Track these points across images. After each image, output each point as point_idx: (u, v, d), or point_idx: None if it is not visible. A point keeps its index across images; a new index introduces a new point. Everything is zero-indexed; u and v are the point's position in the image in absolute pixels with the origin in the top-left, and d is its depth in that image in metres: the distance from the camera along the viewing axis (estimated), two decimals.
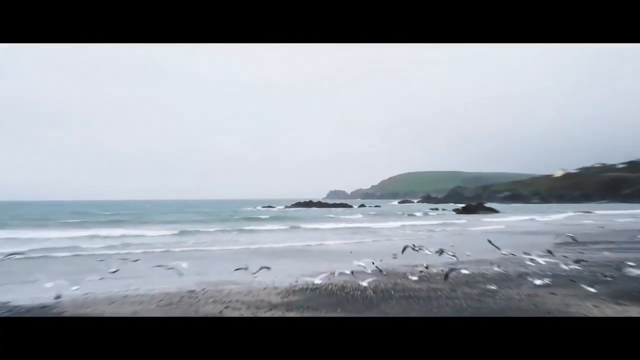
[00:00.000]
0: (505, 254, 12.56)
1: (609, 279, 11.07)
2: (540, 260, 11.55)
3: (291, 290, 10.54)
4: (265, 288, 10.79)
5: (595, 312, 8.04)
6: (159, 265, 11.52)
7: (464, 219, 51.22)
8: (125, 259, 13.27)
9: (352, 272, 10.83)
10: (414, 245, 12.77)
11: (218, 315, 8.57)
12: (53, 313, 8.81)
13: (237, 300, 9.51)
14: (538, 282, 9.99)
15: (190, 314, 8.60)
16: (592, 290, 9.30)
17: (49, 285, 9.54)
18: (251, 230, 33.81)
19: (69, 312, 8.75)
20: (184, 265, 11.34)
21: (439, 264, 13.43)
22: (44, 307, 9.08)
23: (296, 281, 11.56)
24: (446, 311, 8.49)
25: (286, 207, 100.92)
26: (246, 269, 11.11)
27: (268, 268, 11.09)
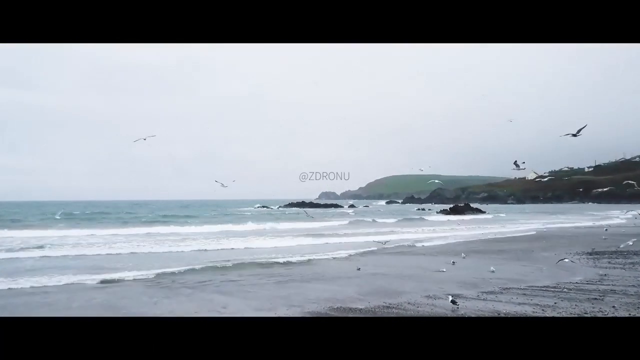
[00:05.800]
0: None
1: None
2: None
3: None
4: None
5: None
6: None
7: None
8: None
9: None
10: None
11: (218, 316, 9.10)
12: (52, 313, 9.51)
13: None
14: None
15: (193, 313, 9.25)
16: None
17: None
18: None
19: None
20: None
21: None
22: None
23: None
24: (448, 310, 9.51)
25: (279, 207, 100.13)
26: None
27: None
